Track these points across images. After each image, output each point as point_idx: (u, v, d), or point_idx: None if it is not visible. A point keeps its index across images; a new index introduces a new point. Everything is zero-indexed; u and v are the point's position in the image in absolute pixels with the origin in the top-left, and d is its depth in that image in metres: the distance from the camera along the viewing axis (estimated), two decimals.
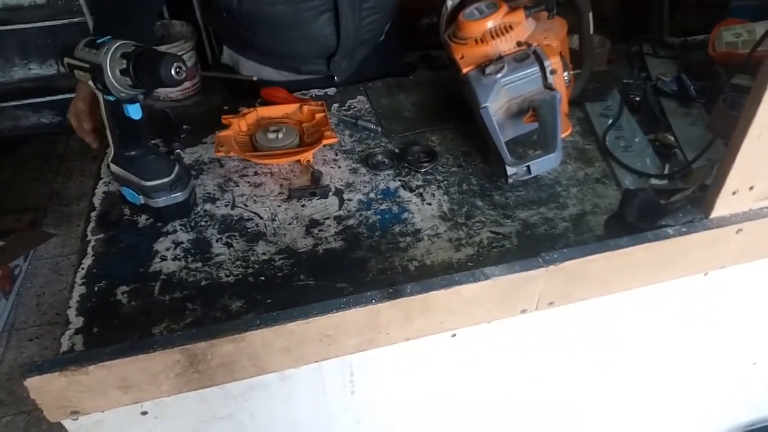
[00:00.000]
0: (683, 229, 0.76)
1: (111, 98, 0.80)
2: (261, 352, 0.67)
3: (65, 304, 0.81)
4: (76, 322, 0.76)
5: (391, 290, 0.69)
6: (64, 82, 2.65)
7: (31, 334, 1.92)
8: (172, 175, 0.88)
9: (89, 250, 0.86)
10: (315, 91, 1.22)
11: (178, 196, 0.89)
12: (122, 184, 0.90)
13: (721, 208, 0.76)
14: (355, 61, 1.22)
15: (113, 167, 0.89)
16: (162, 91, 1.29)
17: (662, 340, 0.92)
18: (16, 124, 2.81)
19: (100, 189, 0.98)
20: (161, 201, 0.88)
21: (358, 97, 1.20)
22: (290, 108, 1.10)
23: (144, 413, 0.70)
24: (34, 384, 0.62)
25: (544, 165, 0.91)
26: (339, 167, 1.02)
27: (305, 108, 1.09)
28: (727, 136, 0.99)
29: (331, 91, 1.22)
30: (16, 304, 2.01)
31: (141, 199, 0.88)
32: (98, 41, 0.77)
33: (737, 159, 0.71)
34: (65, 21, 2.46)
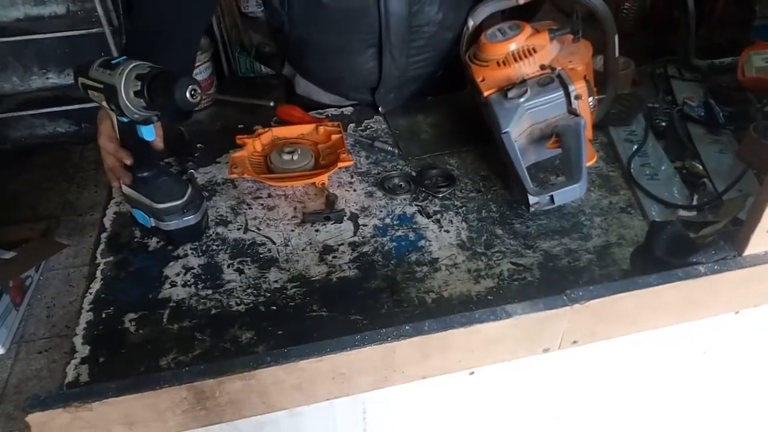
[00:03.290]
0: (715, 267, 0.73)
1: (125, 119, 0.78)
2: (271, 390, 0.65)
3: (75, 317, 0.79)
4: (82, 350, 0.74)
5: (408, 327, 0.66)
6: (81, 92, 2.66)
7: (41, 347, 1.91)
8: (185, 198, 0.85)
9: (98, 273, 0.85)
10: (331, 110, 1.20)
11: (189, 220, 0.86)
12: (133, 206, 0.88)
13: (756, 245, 0.73)
14: (403, 94, 1.20)
15: (124, 188, 0.87)
16: None
17: (689, 379, 0.88)
18: (32, 133, 2.82)
19: (111, 209, 0.96)
20: (172, 224, 0.86)
21: (375, 117, 1.18)
22: (306, 128, 1.08)
23: None
24: (36, 420, 0.60)
25: (568, 195, 0.88)
26: (354, 190, 1.00)
27: (321, 129, 1.07)
28: (758, 167, 0.96)
29: (348, 110, 1.20)
30: (26, 315, 2.00)
31: (152, 222, 0.87)
32: (113, 62, 0.76)
33: None
34: (84, 31, 2.47)
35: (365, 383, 0.68)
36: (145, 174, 0.85)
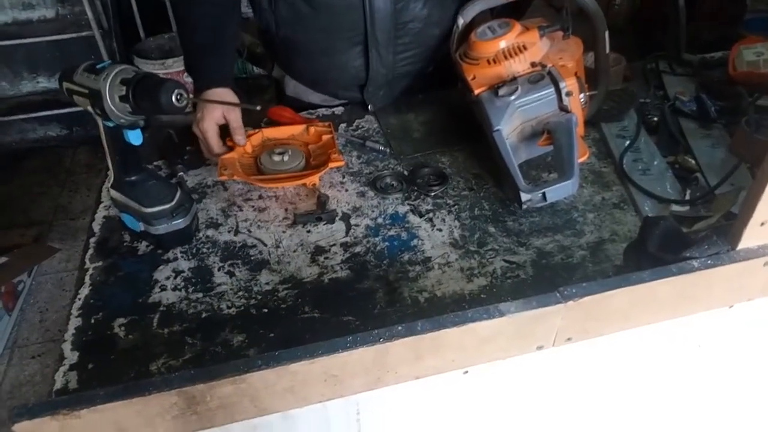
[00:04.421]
0: (709, 262, 0.72)
1: (110, 124, 0.77)
2: (262, 393, 0.64)
3: (65, 322, 0.78)
4: (71, 357, 0.73)
5: (400, 328, 0.65)
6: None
7: (33, 352, 1.89)
8: (173, 202, 0.85)
9: (87, 279, 0.84)
10: (322, 110, 1.19)
11: (179, 223, 0.86)
12: (122, 210, 0.87)
13: (749, 239, 0.72)
14: (393, 91, 1.20)
15: (113, 193, 0.86)
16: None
17: (684, 373, 0.88)
18: (23, 137, 2.80)
19: (100, 213, 0.95)
20: (162, 228, 0.85)
21: (367, 116, 1.17)
22: (296, 129, 1.07)
23: None
24: (24, 429, 0.58)
25: (560, 192, 0.87)
26: (346, 190, 0.99)
27: (312, 129, 1.06)
28: (750, 160, 0.95)
29: (339, 110, 1.19)
30: (19, 320, 1.99)
31: (141, 226, 0.86)
32: (98, 66, 0.75)
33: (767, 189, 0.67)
34: (73, 35, 2.46)
35: (358, 384, 0.67)
36: (133, 178, 0.84)
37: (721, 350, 0.86)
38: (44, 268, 2.17)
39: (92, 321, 0.78)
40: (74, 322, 0.77)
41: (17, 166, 2.69)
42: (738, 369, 0.90)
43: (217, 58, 1.04)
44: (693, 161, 1.00)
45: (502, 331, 0.68)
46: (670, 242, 0.77)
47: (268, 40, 1.17)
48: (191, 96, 0.74)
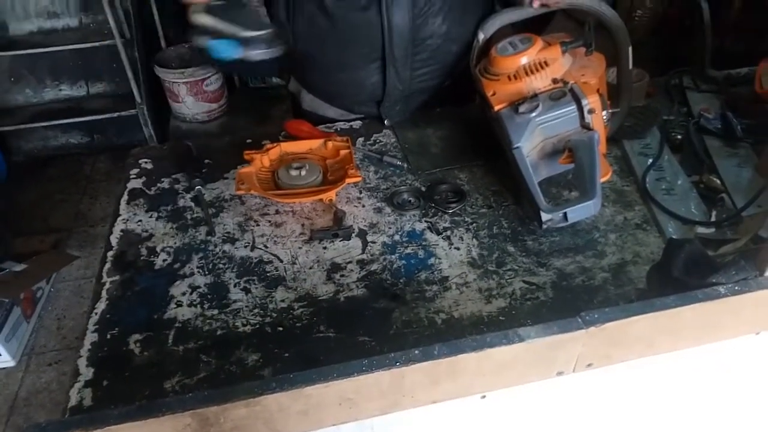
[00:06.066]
0: (736, 288, 0.70)
1: None
2: (276, 416, 0.63)
3: (81, 337, 0.78)
4: (86, 373, 0.73)
5: (417, 352, 0.64)
6: (93, 103, 2.68)
7: (50, 359, 1.91)
8: (271, 29, 0.87)
9: (104, 293, 0.84)
10: (340, 124, 1.19)
11: (275, 51, 0.87)
12: (213, 37, 0.86)
13: None
14: (409, 106, 1.19)
15: (203, 18, 0.85)
16: (188, 112, 1.27)
17: (708, 401, 0.85)
18: (45, 145, 2.84)
19: (118, 227, 0.95)
20: (260, 54, 0.86)
21: (384, 130, 1.17)
22: (314, 143, 1.07)
23: None
24: None
25: (582, 212, 0.86)
26: (363, 206, 0.98)
27: (330, 144, 1.06)
28: None
29: (356, 124, 1.19)
30: (36, 327, 2.01)
31: (240, 52, 0.86)
32: None
33: None
34: (96, 44, 2.49)
35: (373, 408, 0.66)
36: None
37: (746, 378, 0.83)
38: (63, 275, 2.19)
39: (108, 336, 0.78)
40: (90, 338, 0.77)
41: (39, 173, 2.73)
42: (760, 397, 0.87)
43: None
44: (718, 181, 0.98)
45: (522, 356, 0.66)
46: (696, 266, 0.75)
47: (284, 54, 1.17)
48: None
